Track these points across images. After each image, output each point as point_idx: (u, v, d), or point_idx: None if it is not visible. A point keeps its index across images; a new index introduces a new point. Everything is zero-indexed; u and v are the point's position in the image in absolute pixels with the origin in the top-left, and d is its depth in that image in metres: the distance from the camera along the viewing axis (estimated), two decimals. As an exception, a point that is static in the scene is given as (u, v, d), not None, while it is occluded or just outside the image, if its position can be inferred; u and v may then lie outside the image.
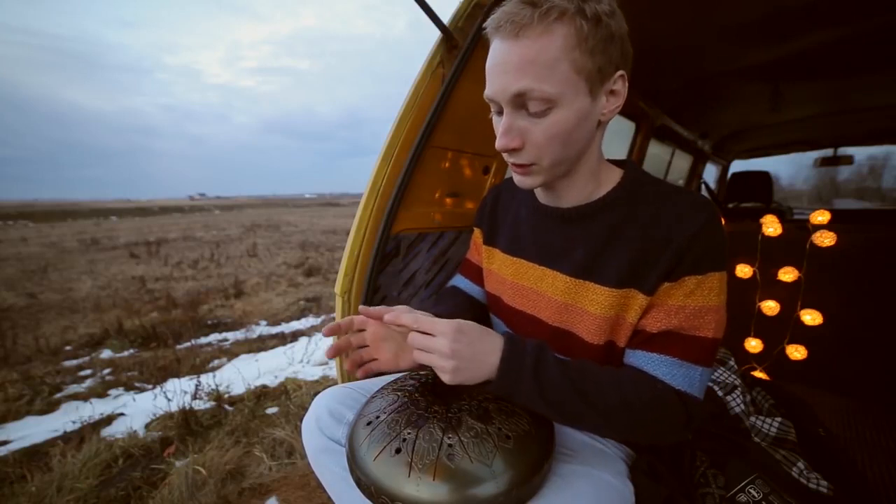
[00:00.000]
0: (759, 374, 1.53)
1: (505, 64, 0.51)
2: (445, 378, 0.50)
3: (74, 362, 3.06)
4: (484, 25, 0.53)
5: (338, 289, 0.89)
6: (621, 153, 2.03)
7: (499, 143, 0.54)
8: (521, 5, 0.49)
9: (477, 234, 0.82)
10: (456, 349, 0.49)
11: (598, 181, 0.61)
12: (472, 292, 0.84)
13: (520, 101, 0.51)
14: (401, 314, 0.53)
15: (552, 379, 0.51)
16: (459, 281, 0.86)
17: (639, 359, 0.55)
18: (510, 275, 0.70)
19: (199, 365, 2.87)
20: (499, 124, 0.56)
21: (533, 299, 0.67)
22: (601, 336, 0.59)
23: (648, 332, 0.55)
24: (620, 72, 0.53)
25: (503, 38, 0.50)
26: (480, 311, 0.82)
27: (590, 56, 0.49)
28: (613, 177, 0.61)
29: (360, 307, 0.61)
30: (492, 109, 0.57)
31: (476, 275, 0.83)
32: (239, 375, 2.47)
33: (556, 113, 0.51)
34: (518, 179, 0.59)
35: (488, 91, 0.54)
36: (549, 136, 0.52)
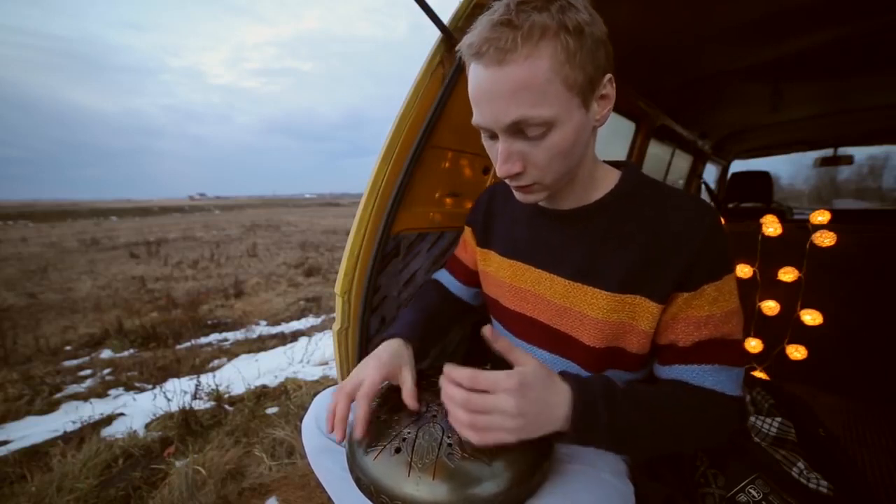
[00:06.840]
0: (758, 373, 1.53)
1: (493, 93, 0.48)
2: (507, 438, 0.43)
3: (74, 362, 3.06)
4: (457, 48, 0.50)
5: (338, 289, 0.89)
6: (621, 153, 2.03)
7: (500, 171, 0.52)
8: (500, 28, 0.45)
9: (468, 233, 0.81)
10: (522, 406, 0.43)
11: (594, 183, 0.60)
12: (453, 288, 0.83)
13: (516, 128, 0.49)
14: (452, 371, 0.46)
15: (627, 426, 0.48)
16: (442, 275, 0.86)
17: (682, 373, 0.55)
18: (508, 277, 0.69)
19: (198, 365, 2.87)
20: (492, 148, 0.54)
21: (531, 302, 0.66)
22: (602, 340, 0.58)
23: (682, 346, 0.55)
24: (608, 75, 0.51)
25: (486, 64, 0.47)
26: (457, 308, 0.82)
27: (580, 70, 0.47)
28: (611, 178, 0.61)
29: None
30: (482, 134, 0.54)
31: (462, 272, 0.82)
32: (239, 375, 2.47)
33: (555, 133, 0.49)
34: (520, 196, 0.58)
35: (478, 119, 0.51)
36: (550, 157, 0.51)
